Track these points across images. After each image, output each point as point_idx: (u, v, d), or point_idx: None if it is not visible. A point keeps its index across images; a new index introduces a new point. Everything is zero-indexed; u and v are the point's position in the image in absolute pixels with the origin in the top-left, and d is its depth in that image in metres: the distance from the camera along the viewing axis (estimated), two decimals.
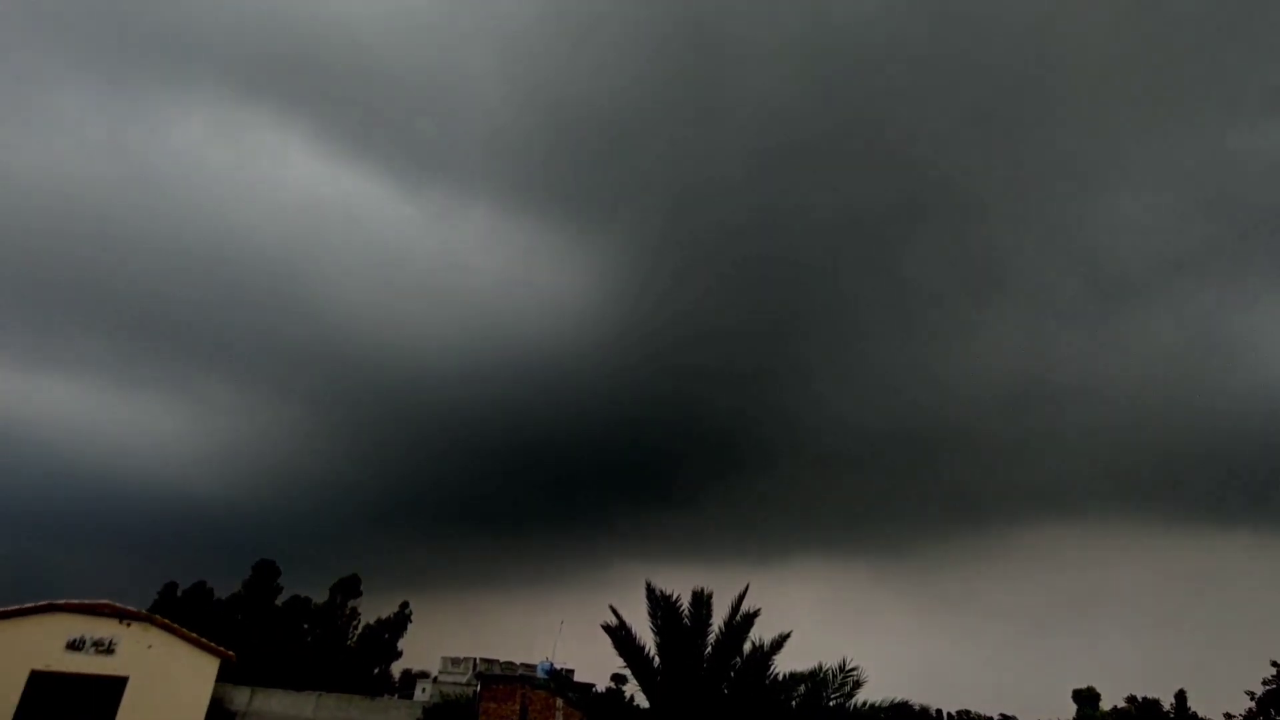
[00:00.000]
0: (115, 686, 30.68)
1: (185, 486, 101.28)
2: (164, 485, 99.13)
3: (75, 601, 30.77)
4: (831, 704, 13.46)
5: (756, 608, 14.30)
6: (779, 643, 14.03)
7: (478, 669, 40.03)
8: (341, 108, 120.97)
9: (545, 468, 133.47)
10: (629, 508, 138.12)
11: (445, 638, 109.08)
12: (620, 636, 16.15)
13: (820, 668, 13.86)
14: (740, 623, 14.20)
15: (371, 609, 63.83)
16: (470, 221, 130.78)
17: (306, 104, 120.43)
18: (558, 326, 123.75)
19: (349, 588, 60.17)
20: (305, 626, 60.53)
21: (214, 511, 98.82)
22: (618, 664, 15.45)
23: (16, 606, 29.89)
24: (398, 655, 60.03)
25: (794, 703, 13.96)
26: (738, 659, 14.33)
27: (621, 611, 16.45)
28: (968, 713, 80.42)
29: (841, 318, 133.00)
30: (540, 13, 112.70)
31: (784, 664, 14.26)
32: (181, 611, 53.91)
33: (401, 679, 63.47)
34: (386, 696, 50.67)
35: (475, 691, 36.53)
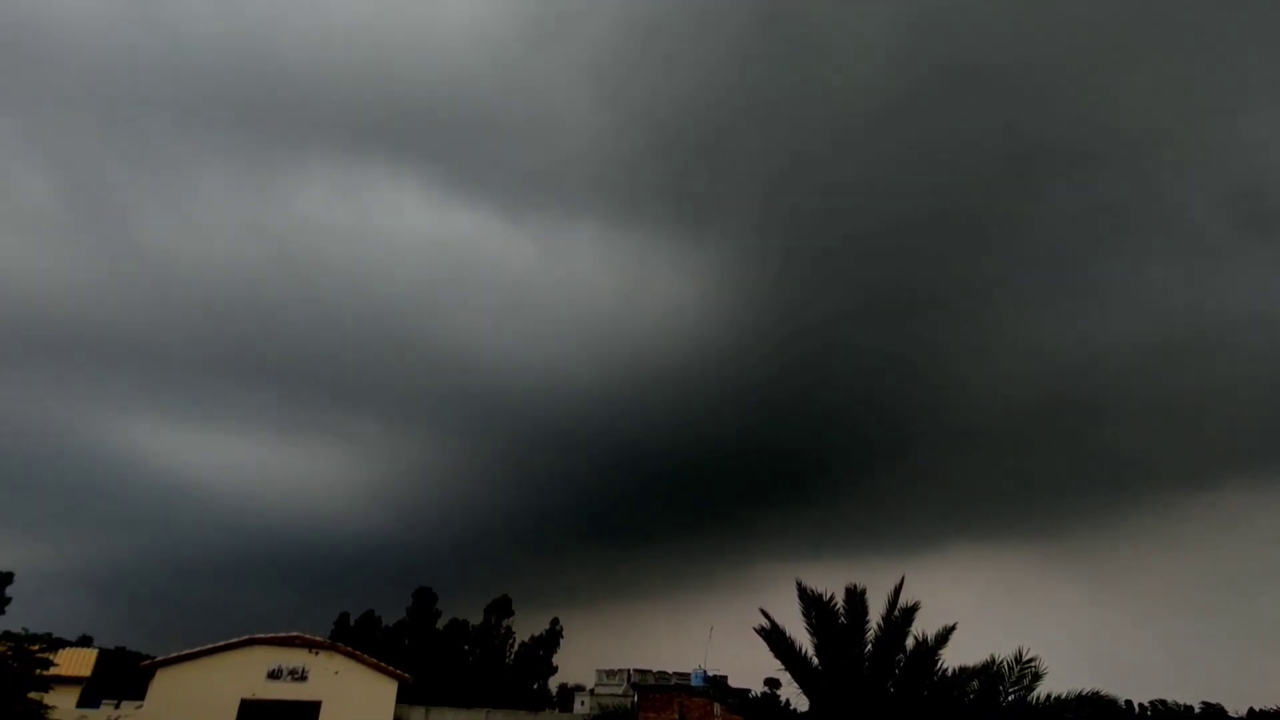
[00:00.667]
0: (312, 711, 33.59)
1: (347, 523, 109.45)
2: (329, 524, 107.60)
3: (270, 635, 34.02)
4: (1010, 699, 12.81)
5: (915, 600, 13.88)
6: (944, 636, 13.52)
7: (632, 679, 40.78)
8: (446, 153, 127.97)
9: (679, 475, 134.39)
10: (766, 508, 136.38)
11: (596, 651, 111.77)
12: (774, 639, 16.09)
13: (993, 660, 13.23)
14: (900, 617, 13.82)
15: (524, 627, 66.48)
16: (580, 241, 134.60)
17: (414, 155, 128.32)
18: (676, 333, 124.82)
19: (502, 608, 62.94)
20: (465, 648, 63.82)
21: (375, 544, 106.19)
22: (769, 667, 15.39)
23: (223, 642, 33.41)
24: (553, 670, 62.16)
25: (968, 699, 13.40)
26: (901, 655, 13.94)
27: (770, 613, 16.41)
28: (1163, 703, 72.92)
29: (971, 286, 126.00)
30: (615, 25, 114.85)
31: (950, 658, 13.74)
32: (354, 639, 58.09)
33: (559, 693, 65.51)
34: (548, 710, 52.54)
35: (632, 702, 37.26)
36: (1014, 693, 12.92)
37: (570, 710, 45.18)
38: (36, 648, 25.76)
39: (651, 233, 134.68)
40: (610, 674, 44.83)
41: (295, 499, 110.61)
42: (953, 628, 13.63)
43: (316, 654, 34.72)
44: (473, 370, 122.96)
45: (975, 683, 13.52)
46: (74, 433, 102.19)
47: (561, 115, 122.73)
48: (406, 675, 36.24)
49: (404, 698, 36.47)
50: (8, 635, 25.99)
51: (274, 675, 33.78)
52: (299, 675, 34.16)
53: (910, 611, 13.81)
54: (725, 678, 37.34)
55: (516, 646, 62.11)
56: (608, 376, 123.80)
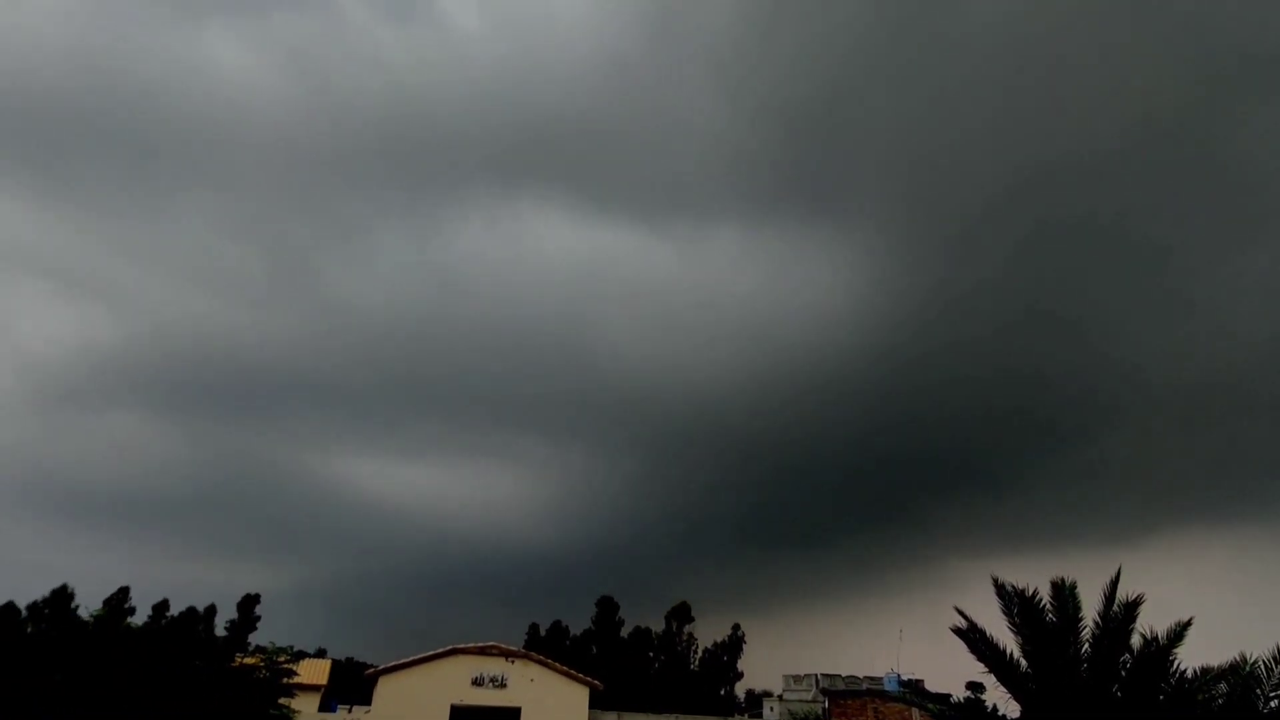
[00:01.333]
0: (513, 716, 35.64)
1: (530, 539, 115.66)
2: (513, 540, 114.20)
3: (470, 645, 36.54)
4: (1274, 704, 11.02)
5: (1137, 593, 12.37)
6: (1178, 632, 11.90)
7: (820, 685, 39.63)
8: (583, 172, 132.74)
9: (850, 474, 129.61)
10: (946, 503, 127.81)
11: (778, 656, 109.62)
12: (973, 640, 14.98)
13: (1244, 659, 11.49)
14: (1121, 613, 12.36)
15: (704, 633, 66.70)
16: (720, 243, 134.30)
17: (554, 179, 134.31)
18: (827, 327, 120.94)
19: (682, 615, 63.66)
20: (650, 654, 65.12)
21: (558, 558, 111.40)
22: (965, 670, 14.31)
23: (430, 653, 36.32)
24: (739, 675, 61.90)
25: (1215, 704, 11.71)
26: (1126, 656, 12.47)
27: (965, 612, 15.30)
28: None
29: (1157, 237, 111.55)
30: (732, 19, 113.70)
31: (1186, 658, 12.09)
32: (545, 649, 60.97)
33: (746, 699, 65.05)
34: (736, 717, 52.30)
35: (823, 708, 36.18)
36: (1277, 697, 11.12)
37: (759, 717, 44.67)
38: (282, 659, 29.33)
39: (793, 227, 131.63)
40: (797, 679, 43.86)
41: (480, 519, 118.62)
42: (1187, 623, 11.99)
43: (513, 662, 36.82)
44: (626, 382, 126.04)
45: (1223, 685, 11.80)
46: (290, 469, 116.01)
47: (688, 116, 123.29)
48: (596, 682, 37.52)
49: (595, 704, 37.75)
50: (258, 649, 29.90)
51: (477, 682, 36.20)
52: (499, 682, 36.36)
53: (1133, 606, 12.32)
54: (920, 681, 35.35)
55: (700, 653, 62.50)
56: (761, 377, 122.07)
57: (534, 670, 36.92)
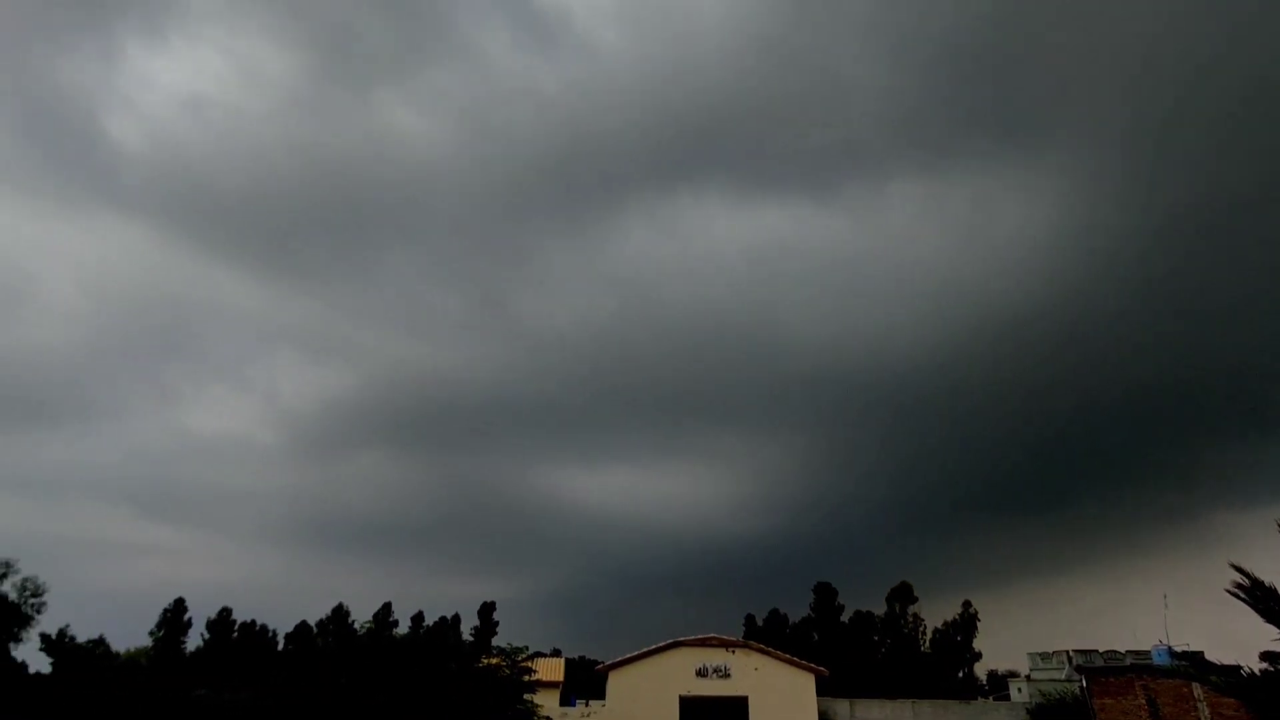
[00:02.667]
0: (740, 705, 35.79)
1: (738, 531, 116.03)
2: (721, 534, 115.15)
3: (691, 638, 37.23)
4: None
5: None
6: None
7: (1074, 662, 35.87)
8: (740, 155, 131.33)
9: (1076, 431, 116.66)
10: (1212, 446, 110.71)
11: (1017, 633, 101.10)
12: (1261, 600, 12.81)
13: None
14: None
15: (932, 613, 63.03)
16: (895, 202, 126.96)
17: (714, 168, 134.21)
18: (1028, 272, 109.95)
19: (904, 595, 60.68)
20: (875, 639, 62.69)
21: (766, 547, 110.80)
22: (1249, 638, 12.20)
23: (653, 646, 37.46)
24: (976, 656, 57.78)
25: None
26: None
27: (1243, 569, 13.08)
28: None
29: None
30: None
31: None
32: (763, 638, 60.78)
33: (989, 680, 60.57)
34: (980, 700, 48.79)
35: (1081, 687, 32.69)
36: None
37: (1006, 699, 41.31)
38: (522, 659, 31.74)
39: (978, 169, 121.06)
40: (1045, 657, 40.02)
41: (686, 516, 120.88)
42: None
43: (734, 652, 37.02)
44: (815, 361, 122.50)
45: None
46: (510, 486, 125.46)
47: (847, 78, 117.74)
48: (822, 668, 36.70)
49: (822, 691, 36.92)
50: (499, 650, 32.54)
51: (701, 674, 36.78)
52: (722, 673, 36.69)
53: None
54: (1200, 653, 30.81)
55: (929, 634, 59.17)
56: (958, 334, 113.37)
57: (756, 659, 36.86)
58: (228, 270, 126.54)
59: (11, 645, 35.23)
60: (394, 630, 64.91)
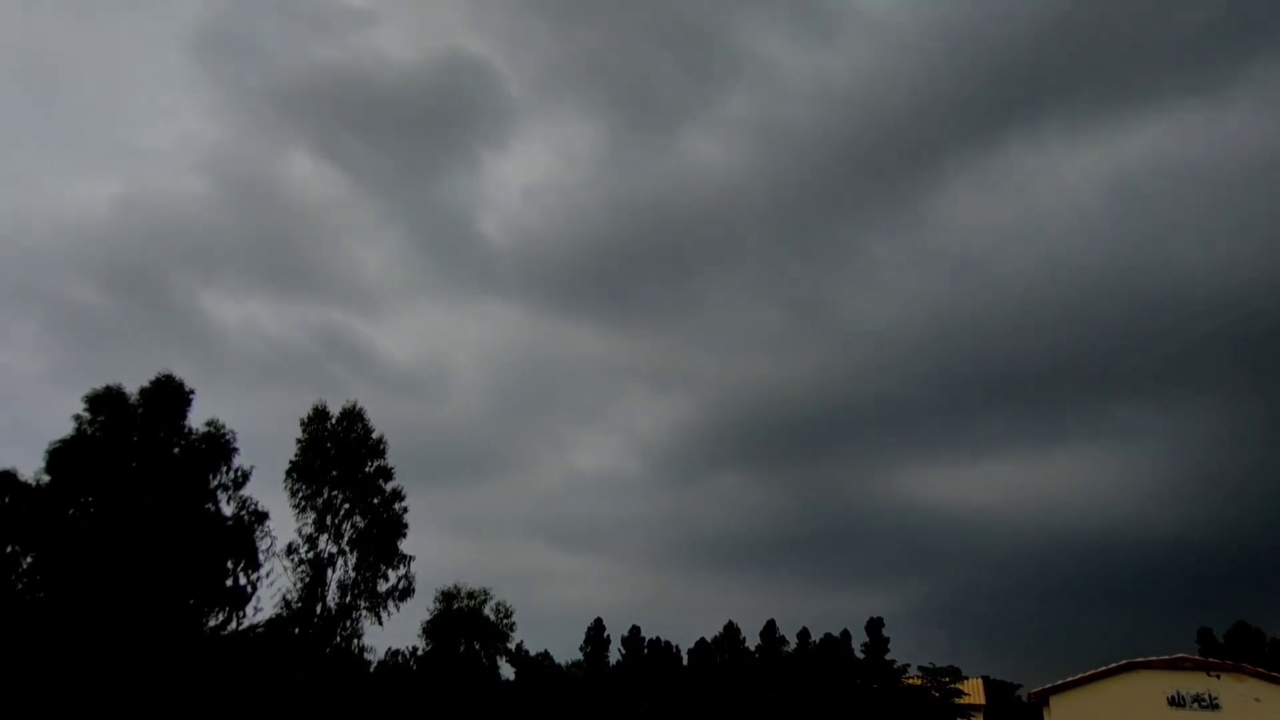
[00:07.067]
0: None
1: (1161, 526, 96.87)
2: (1135, 530, 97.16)
3: (1155, 659, 31.15)
4: None
5: None
6: None
7: None
8: (1079, 77, 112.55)
9: None
10: None
11: None
12: None
13: None
14: None
15: None
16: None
17: (1041, 104, 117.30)
18: None
19: None
20: None
21: (1210, 543, 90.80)
22: None
23: (1103, 668, 32.04)
24: None
25: None
26: None
27: None
28: None
29: None
30: None
31: None
32: (1230, 656, 49.13)
33: None
34: None
35: None
36: None
37: None
38: (946, 679, 29.43)
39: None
40: None
41: (1090, 510, 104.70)
42: None
43: (1219, 677, 30.06)
44: (1221, 302, 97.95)
45: None
46: (866, 495, 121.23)
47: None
48: None
49: None
50: (921, 669, 30.57)
51: (1175, 703, 30.47)
52: (1206, 703, 30.00)
53: None
54: None
55: None
56: None
57: (1254, 686, 29.44)
58: (579, 328, 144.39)
59: (496, 658, 42.75)
60: (782, 647, 65.81)
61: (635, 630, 64.21)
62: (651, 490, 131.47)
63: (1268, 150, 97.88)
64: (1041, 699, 33.59)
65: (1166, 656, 30.94)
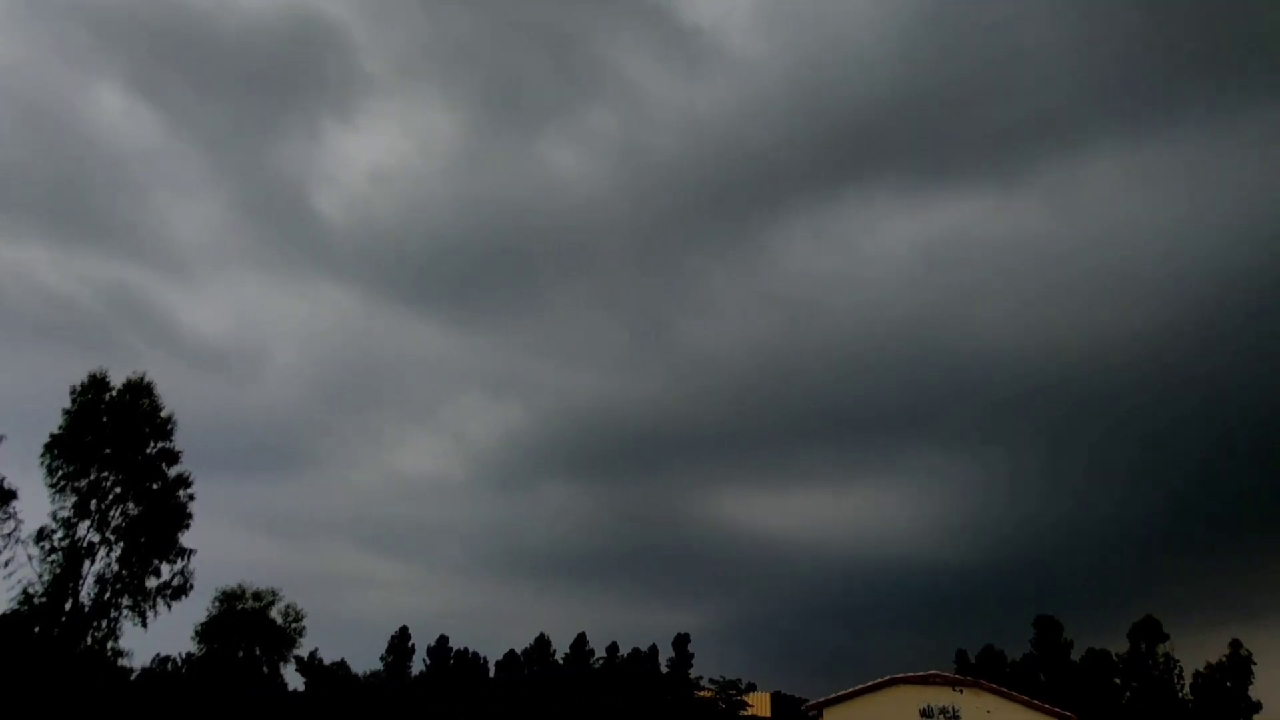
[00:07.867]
0: None
1: (939, 558, 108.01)
2: (922, 561, 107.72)
3: (912, 674, 34.61)
4: None
5: None
6: None
7: None
8: (906, 147, 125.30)
9: None
10: None
11: None
12: None
13: None
14: None
15: (1187, 654, 54.39)
16: (1100, 175, 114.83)
17: (875, 167, 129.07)
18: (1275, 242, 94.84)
19: (1150, 632, 53.21)
20: (1116, 681, 55.41)
21: (976, 576, 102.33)
22: None
23: (872, 683, 35.14)
24: (1255, 706, 49.00)
25: None
26: None
27: None
28: None
29: None
30: None
31: None
32: (978, 676, 55.60)
33: None
34: None
35: None
36: None
37: None
38: (734, 692, 31.06)
39: (1201, 121, 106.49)
40: None
41: (882, 540, 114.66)
42: None
43: (961, 692, 33.93)
44: (1009, 362, 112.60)
45: None
46: (687, 516, 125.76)
47: (1032, 44, 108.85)
48: (1070, 713, 32.68)
49: None
50: (711, 681, 32.08)
51: (926, 715, 33.98)
52: (950, 714, 33.71)
53: None
54: None
55: (1187, 678, 51.30)
56: (1186, 322, 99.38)
57: (988, 700, 33.53)
58: (417, 323, 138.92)
59: (280, 665, 39.77)
60: (591, 660, 66.38)
61: (443, 640, 62.30)
62: (475, 497, 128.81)
63: (1054, 240, 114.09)
64: (817, 711, 36.28)
65: (921, 673, 34.55)
